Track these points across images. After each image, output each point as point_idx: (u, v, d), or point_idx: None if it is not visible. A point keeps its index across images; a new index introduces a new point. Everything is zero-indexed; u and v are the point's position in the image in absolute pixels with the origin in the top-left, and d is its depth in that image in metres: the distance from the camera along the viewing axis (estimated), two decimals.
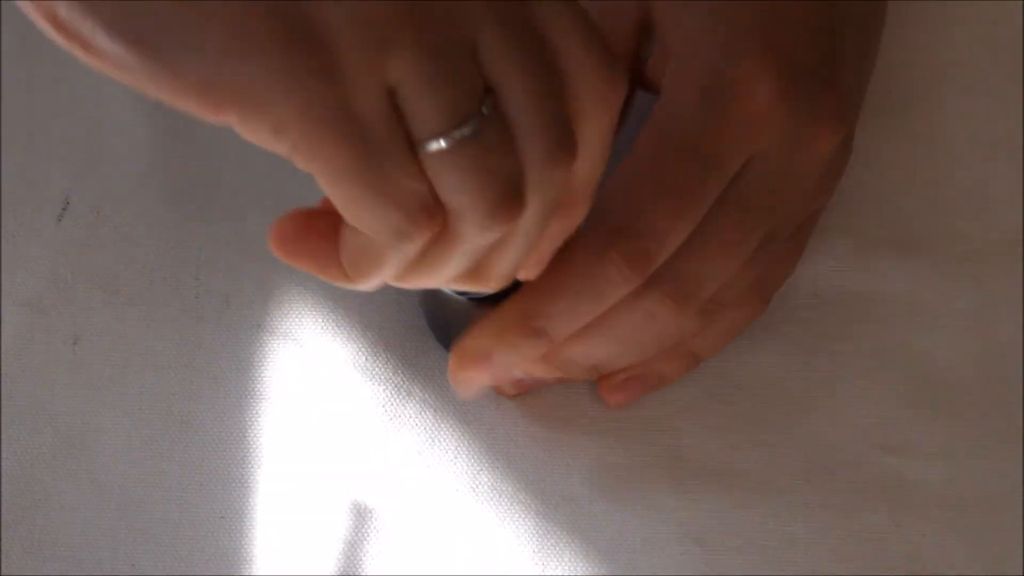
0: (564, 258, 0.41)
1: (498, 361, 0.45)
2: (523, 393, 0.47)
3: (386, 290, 0.48)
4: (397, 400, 0.47)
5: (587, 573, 0.45)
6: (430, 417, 0.47)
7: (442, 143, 0.31)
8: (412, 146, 0.32)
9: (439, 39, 0.31)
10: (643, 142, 0.42)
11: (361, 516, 0.46)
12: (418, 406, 0.47)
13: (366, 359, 0.48)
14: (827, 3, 0.44)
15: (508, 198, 0.33)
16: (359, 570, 0.45)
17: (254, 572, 0.45)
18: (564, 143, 0.33)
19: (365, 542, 0.46)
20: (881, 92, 0.51)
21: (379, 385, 0.47)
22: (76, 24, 0.29)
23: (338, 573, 0.45)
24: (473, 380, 0.45)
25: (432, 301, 0.47)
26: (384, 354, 0.48)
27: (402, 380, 0.47)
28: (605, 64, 0.34)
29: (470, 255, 0.35)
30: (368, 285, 0.36)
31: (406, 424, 0.47)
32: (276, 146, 0.31)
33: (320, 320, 0.48)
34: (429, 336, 0.48)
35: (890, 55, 0.50)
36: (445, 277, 0.36)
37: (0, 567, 0.46)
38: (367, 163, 0.31)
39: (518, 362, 0.45)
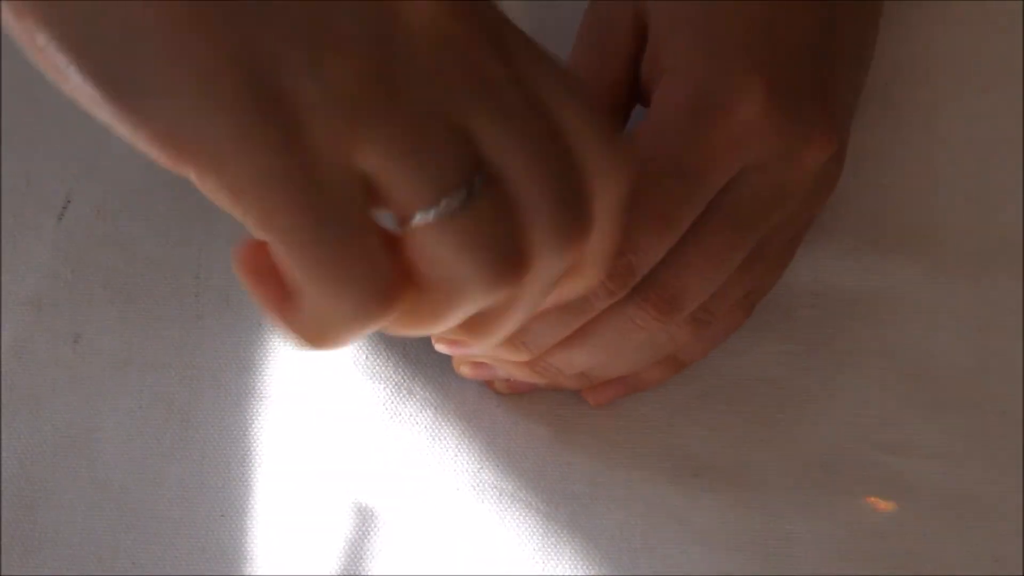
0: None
1: (494, 371, 0.46)
2: (516, 392, 0.47)
3: None
4: (398, 398, 0.47)
5: (588, 572, 0.45)
6: (431, 416, 0.47)
7: (429, 216, 0.31)
8: (376, 226, 0.31)
9: (418, 122, 0.30)
10: None
11: (362, 514, 0.46)
12: (419, 404, 0.47)
13: (367, 357, 0.48)
14: (818, 16, 0.44)
15: (509, 262, 0.32)
16: (360, 569, 0.45)
17: (255, 570, 0.45)
18: (578, 220, 0.33)
19: (366, 540, 0.46)
20: (881, 92, 0.51)
21: (380, 383, 0.47)
22: (50, 55, 0.29)
23: (339, 572, 0.45)
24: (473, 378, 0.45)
25: None
26: (385, 352, 0.48)
27: (403, 378, 0.48)
28: (612, 138, 0.33)
29: (471, 312, 0.34)
30: (325, 349, 0.34)
31: (407, 423, 0.47)
32: (231, 207, 0.30)
33: None
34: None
35: (890, 54, 0.51)
36: (442, 330, 0.35)
37: (0, 566, 0.46)
38: (319, 241, 0.30)
39: (501, 365, 0.45)
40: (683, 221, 0.42)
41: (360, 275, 0.31)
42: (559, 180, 0.32)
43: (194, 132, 0.29)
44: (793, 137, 0.42)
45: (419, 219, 0.31)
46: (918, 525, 0.45)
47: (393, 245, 0.32)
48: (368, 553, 0.45)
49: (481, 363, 0.46)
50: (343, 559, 0.45)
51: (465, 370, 0.46)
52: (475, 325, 0.36)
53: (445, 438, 0.47)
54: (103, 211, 0.50)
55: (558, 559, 0.45)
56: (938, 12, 0.52)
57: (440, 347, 0.44)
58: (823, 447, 0.47)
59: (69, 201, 0.50)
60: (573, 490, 0.46)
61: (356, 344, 0.48)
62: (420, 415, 0.47)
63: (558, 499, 0.46)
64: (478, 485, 0.46)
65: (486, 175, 0.31)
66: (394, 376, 0.48)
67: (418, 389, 0.47)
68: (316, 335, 0.33)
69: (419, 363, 0.48)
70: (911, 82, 0.51)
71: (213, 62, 0.29)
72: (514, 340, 0.43)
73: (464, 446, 0.47)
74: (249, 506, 0.46)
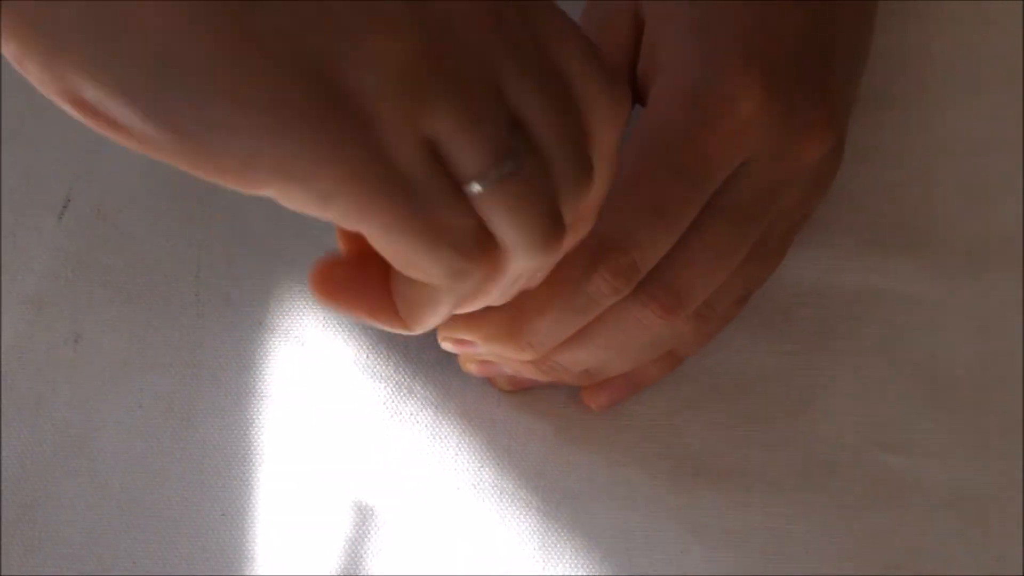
0: (550, 271, 0.40)
1: (495, 368, 0.46)
2: (519, 388, 0.47)
3: None
4: (398, 398, 0.47)
5: (588, 571, 0.45)
6: (431, 415, 0.47)
7: (487, 182, 0.31)
8: (457, 187, 0.31)
9: (470, 85, 0.30)
10: (629, 155, 0.42)
11: (362, 514, 0.46)
12: (419, 404, 0.47)
13: (367, 357, 0.48)
14: (814, 10, 0.44)
15: (555, 227, 0.33)
16: (361, 568, 0.45)
17: (255, 570, 0.45)
18: (587, 167, 0.33)
19: (367, 540, 0.46)
20: (882, 90, 0.51)
21: (380, 383, 0.47)
22: (106, 107, 0.28)
23: (339, 571, 0.45)
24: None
25: None
26: (385, 352, 0.48)
27: (403, 378, 0.48)
28: (609, 82, 0.33)
29: (513, 283, 0.35)
30: (424, 329, 0.35)
31: (407, 422, 0.47)
32: (323, 212, 0.30)
33: (321, 318, 0.48)
34: (430, 335, 0.48)
35: (890, 54, 0.51)
36: (485, 305, 0.36)
37: (0, 566, 0.45)
38: (417, 214, 0.31)
39: (506, 363, 0.45)
40: (685, 217, 0.42)
41: (458, 229, 0.32)
42: (576, 135, 0.33)
43: (272, 153, 0.29)
44: (791, 131, 0.42)
45: (476, 186, 0.31)
46: (918, 525, 0.45)
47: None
48: (369, 552, 0.45)
49: (487, 361, 0.46)
50: (344, 557, 0.45)
51: (471, 367, 0.46)
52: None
53: (445, 437, 0.47)
54: (103, 211, 0.50)
55: (558, 558, 0.45)
56: (937, 12, 0.52)
57: (447, 346, 0.44)
58: (823, 447, 0.47)
59: (69, 201, 0.50)
60: (573, 489, 0.46)
61: (356, 344, 0.48)
62: (420, 414, 0.47)
63: (558, 498, 0.46)
64: (478, 484, 0.46)
65: (524, 136, 0.32)
66: (394, 375, 0.48)
67: (418, 388, 0.47)
68: (424, 309, 0.34)
69: (420, 362, 0.48)
70: (911, 82, 0.51)
71: (277, 79, 0.28)
72: (519, 340, 0.43)
73: (464, 445, 0.47)
74: (249, 505, 0.46)
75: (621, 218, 0.41)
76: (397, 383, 0.47)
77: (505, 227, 0.32)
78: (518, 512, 0.46)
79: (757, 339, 0.48)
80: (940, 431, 0.47)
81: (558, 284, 0.41)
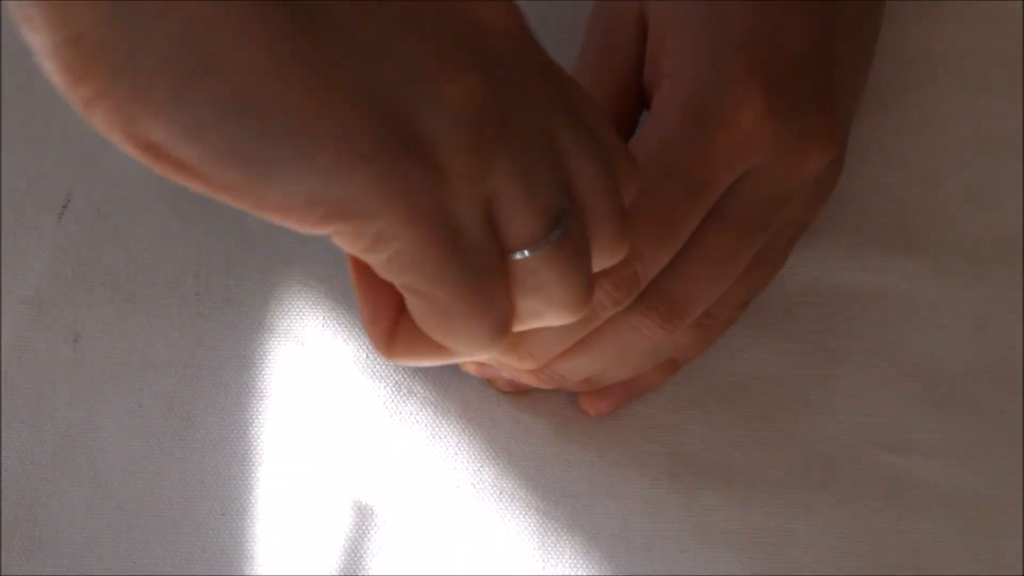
0: None
1: (495, 371, 0.46)
2: (518, 391, 0.47)
3: None
4: (398, 398, 0.47)
5: (588, 571, 0.45)
6: (431, 414, 0.47)
7: (537, 249, 0.31)
8: (503, 254, 0.31)
9: (533, 143, 0.30)
10: None
11: (362, 514, 0.46)
12: (419, 403, 0.47)
13: (367, 356, 0.48)
14: (819, 20, 0.43)
15: (589, 289, 0.33)
16: (360, 568, 0.45)
17: (255, 570, 0.45)
18: (626, 229, 0.33)
19: (366, 539, 0.46)
20: (881, 90, 0.51)
21: (380, 383, 0.47)
22: (176, 149, 0.28)
23: (340, 571, 0.45)
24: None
25: None
26: None
27: (403, 378, 0.47)
28: (627, 150, 0.34)
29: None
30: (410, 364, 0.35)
31: (407, 421, 0.47)
32: (372, 255, 0.30)
33: (321, 318, 0.48)
34: None
35: (890, 54, 0.51)
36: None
37: (0, 566, 0.45)
38: (467, 275, 0.30)
39: (505, 370, 0.45)
40: (686, 228, 0.42)
41: (497, 303, 0.31)
42: (615, 189, 0.33)
43: (339, 192, 0.29)
44: (793, 142, 0.42)
45: (525, 253, 0.31)
46: (918, 525, 0.45)
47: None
48: (368, 552, 0.45)
49: (486, 364, 0.46)
50: (343, 557, 0.45)
51: (470, 368, 0.46)
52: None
53: (445, 437, 0.47)
54: (103, 211, 0.50)
55: (558, 558, 0.45)
56: (938, 12, 0.52)
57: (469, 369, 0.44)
58: (823, 447, 0.46)
59: (69, 201, 0.50)
60: (573, 489, 0.46)
61: (356, 344, 0.48)
62: (420, 414, 0.47)
63: (558, 498, 0.46)
64: (478, 484, 0.46)
65: (570, 198, 0.32)
66: (394, 375, 0.48)
67: (418, 388, 0.47)
68: (425, 353, 0.34)
69: None
70: (911, 82, 0.51)
71: (352, 118, 0.28)
72: (520, 350, 0.43)
73: (464, 445, 0.47)
74: (249, 505, 0.46)
75: None
76: (397, 383, 0.47)
77: (540, 293, 0.32)
78: (518, 512, 0.46)
79: (756, 339, 0.48)
80: (940, 429, 0.47)
81: None
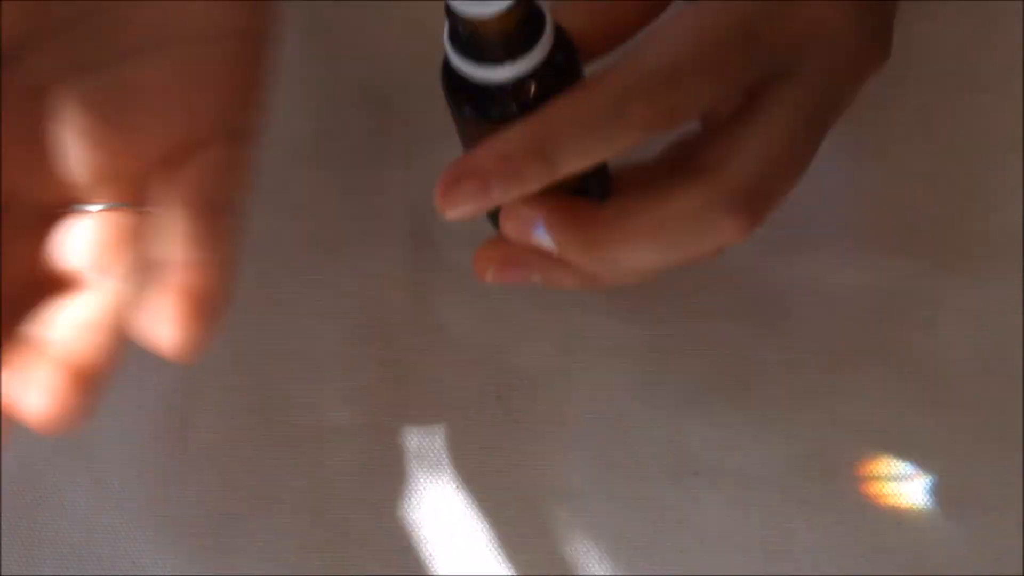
0: (584, 86, 0.38)
1: (495, 191, 0.38)
2: (505, 281, 0.43)
3: (389, 288, 0.48)
4: (398, 398, 0.47)
5: (588, 571, 0.45)
6: (431, 414, 0.47)
7: None
8: None
9: None
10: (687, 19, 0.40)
11: (363, 513, 0.46)
12: (420, 403, 0.47)
13: (365, 361, 0.48)
14: None
15: None
16: (361, 568, 0.45)
17: (256, 570, 0.45)
18: None
19: (368, 540, 0.46)
20: (883, 89, 0.51)
21: (387, 387, 0.47)
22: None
23: (340, 570, 0.45)
24: (464, 202, 0.38)
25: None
26: (385, 349, 0.48)
27: (399, 379, 0.48)
28: None
29: None
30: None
31: (407, 421, 0.47)
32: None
33: (321, 317, 0.48)
34: (430, 334, 0.48)
35: (892, 52, 0.50)
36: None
37: (0, 566, 0.46)
38: None
39: (517, 196, 0.39)
40: (740, 82, 0.40)
41: None
42: None
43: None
44: (867, 39, 0.42)
45: None
46: (918, 525, 0.45)
47: None
48: (369, 553, 0.45)
49: (507, 267, 0.42)
50: (343, 558, 0.45)
51: (490, 275, 0.42)
52: None
53: (444, 436, 0.47)
54: None
55: (558, 558, 0.45)
56: (937, 11, 0.52)
57: (514, 223, 0.41)
58: (823, 446, 0.47)
59: None
60: (572, 488, 0.46)
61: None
62: (419, 414, 0.47)
63: (558, 498, 0.46)
64: (478, 484, 0.46)
65: None
66: (393, 375, 0.48)
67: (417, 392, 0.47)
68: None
69: (419, 360, 0.48)
70: (911, 82, 0.51)
71: None
72: (543, 152, 0.38)
73: (463, 444, 0.47)
74: (250, 505, 0.46)
75: (666, 58, 0.39)
76: (394, 387, 0.47)
77: None
78: (518, 512, 0.46)
79: (757, 338, 0.48)
80: (940, 429, 0.47)
81: (591, 99, 0.38)
